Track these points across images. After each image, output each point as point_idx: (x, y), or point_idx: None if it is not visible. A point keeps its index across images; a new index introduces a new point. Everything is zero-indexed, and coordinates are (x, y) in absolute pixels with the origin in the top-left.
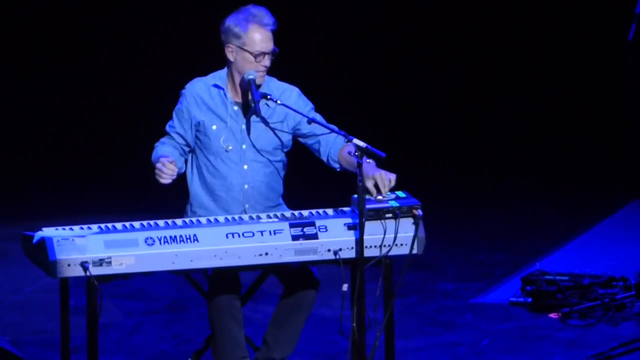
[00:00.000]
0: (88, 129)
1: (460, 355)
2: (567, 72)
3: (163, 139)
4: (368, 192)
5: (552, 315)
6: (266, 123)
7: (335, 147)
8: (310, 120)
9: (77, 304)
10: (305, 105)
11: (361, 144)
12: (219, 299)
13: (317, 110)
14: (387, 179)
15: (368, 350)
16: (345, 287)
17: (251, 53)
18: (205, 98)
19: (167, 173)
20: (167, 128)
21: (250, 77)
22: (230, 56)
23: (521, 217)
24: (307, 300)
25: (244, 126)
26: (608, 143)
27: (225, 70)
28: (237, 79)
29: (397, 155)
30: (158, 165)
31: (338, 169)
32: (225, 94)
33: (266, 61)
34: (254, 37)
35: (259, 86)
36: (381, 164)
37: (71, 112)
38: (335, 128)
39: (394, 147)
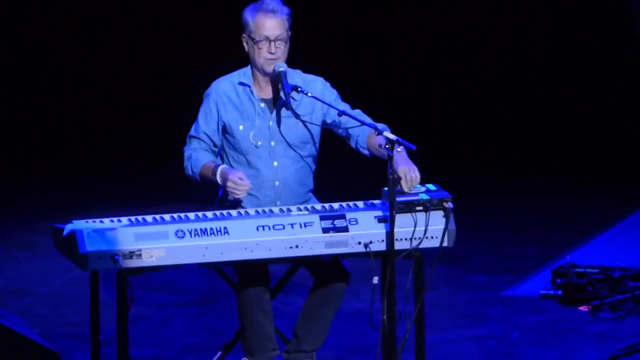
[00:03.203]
0: (107, 125)
1: (491, 347)
2: (567, 72)
3: (193, 145)
4: (399, 183)
5: (582, 307)
6: (297, 116)
7: (362, 134)
8: (341, 113)
9: (106, 297)
10: (330, 95)
11: (391, 136)
12: (248, 291)
13: None
14: (410, 177)
15: (398, 342)
16: (375, 279)
17: (254, 39)
18: (232, 97)
19: (241, 189)
20: (193, 132)
21: (281, 69)
22: (245, 46)
23: (551, 210)
24: (338, 292)
25: (271, 122)
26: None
27: (249, 67)
28: (257, 74)
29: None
30: (230, 183)
31: (368, 155)
32: (251, 91)
33: (271, 48)
34: (258, 23)
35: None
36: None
37: (82, 108)
38: (366, 119)
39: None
